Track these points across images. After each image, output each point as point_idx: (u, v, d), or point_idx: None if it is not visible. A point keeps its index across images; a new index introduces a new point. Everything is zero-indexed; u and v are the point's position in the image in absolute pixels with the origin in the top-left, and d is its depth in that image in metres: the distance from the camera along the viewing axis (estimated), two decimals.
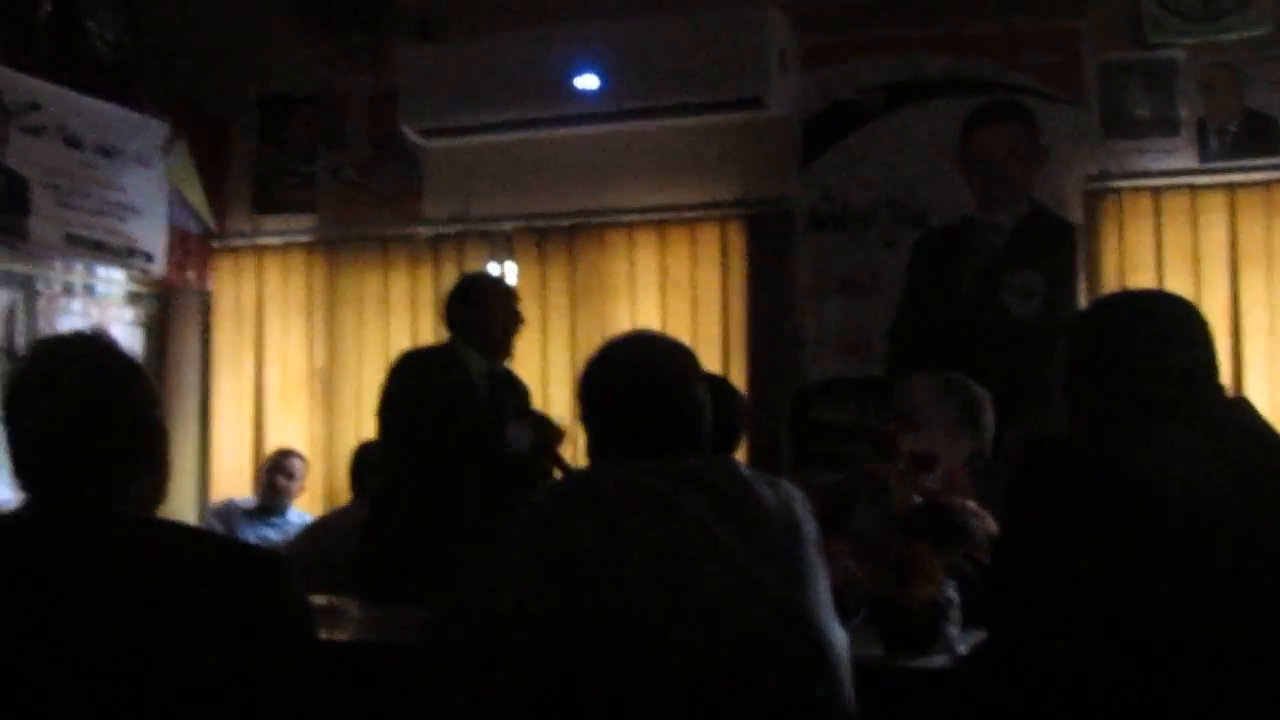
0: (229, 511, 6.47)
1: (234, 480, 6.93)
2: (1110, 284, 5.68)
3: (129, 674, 1.93)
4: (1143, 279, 5.67)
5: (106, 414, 2.09)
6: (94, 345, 2.17)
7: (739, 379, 5.99)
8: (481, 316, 4.89)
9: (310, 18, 6.88)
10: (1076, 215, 5.78)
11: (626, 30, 6.01)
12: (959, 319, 5.84)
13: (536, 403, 6.30)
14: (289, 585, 2.11)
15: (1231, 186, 5.76)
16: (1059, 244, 5.76)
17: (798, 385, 6.10)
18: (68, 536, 2.03)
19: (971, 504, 3.00)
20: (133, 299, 6.97)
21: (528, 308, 6.45)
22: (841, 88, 6.09)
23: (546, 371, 6.44)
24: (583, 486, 2.52)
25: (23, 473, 2.10)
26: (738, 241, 6.32)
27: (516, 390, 5.03)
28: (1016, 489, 2.37)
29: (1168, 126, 5.81)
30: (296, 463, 6.51)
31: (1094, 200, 5.85)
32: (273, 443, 6.81)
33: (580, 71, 6.00)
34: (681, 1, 5.95)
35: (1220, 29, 5.74)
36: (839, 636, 2.48)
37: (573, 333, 6.47)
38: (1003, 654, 2.29)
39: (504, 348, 4.91)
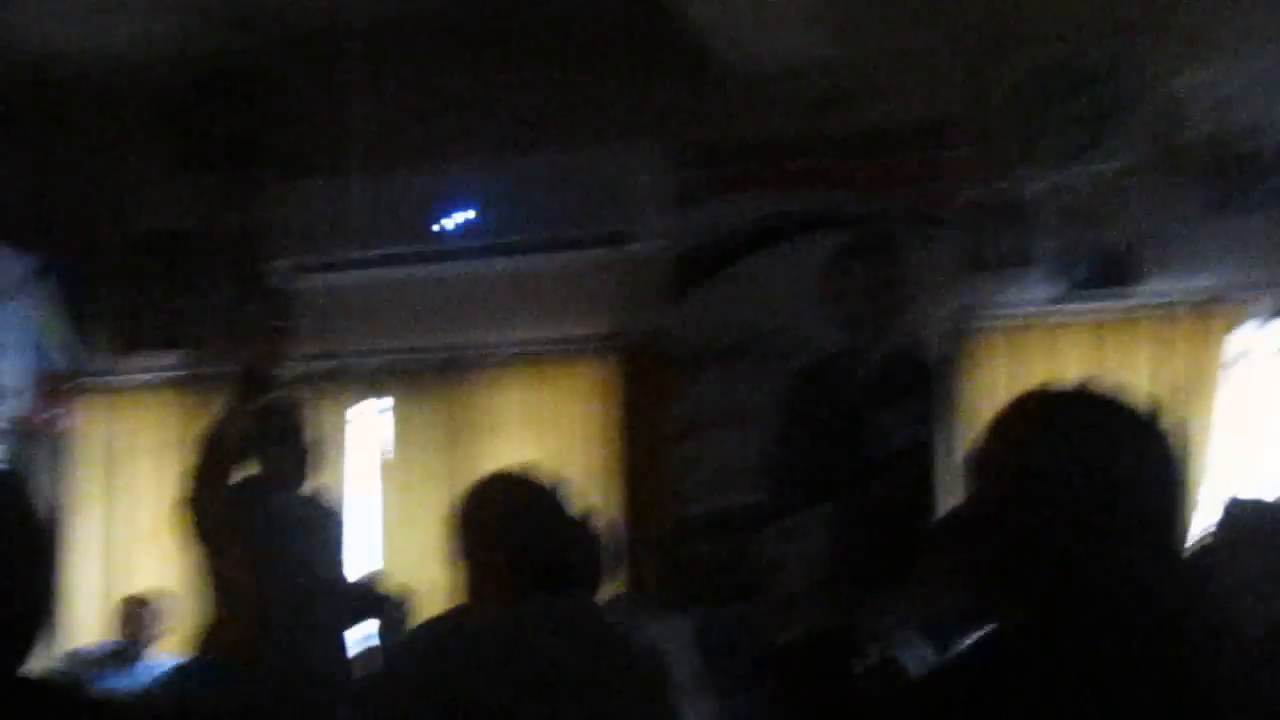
0: (78, 659, 6.29)
1: (94, 623, 6.73)
2: (977, 417, 5.71)
3: None
4: None
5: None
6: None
7: (616, 514, 5.96)
8: None
9: (180, 155, 6.84)
10: (940, 351, 5.85)
11: (495, 168, 6.06)
12: (835, 451, 5.87)
13: (412, 544, 6.25)
14: None
15: (1093, 320, 5.84)
16: (924, 378, 5.82)
17: (675, 519, 6.08)
18: None
19: None
20: None
21: (402, 445, 6.46)
22: (715, 224, 6.16)
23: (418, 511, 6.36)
24: (457, 629, 2.57)
25: None
26: (611, 377, 6.32)
27: None
28: None
29: (1028, 259, 5.90)
30: (151, 609, 6.36)
31: (957, 335, 5.91)
32: (138, 584, 6.65)
33: (449, 209, 6.05)
34: (552, 138, 6.01)
35: (1081, 163, 5.87)
36: None
37: (448, 471, 6.39)
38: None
39: None
